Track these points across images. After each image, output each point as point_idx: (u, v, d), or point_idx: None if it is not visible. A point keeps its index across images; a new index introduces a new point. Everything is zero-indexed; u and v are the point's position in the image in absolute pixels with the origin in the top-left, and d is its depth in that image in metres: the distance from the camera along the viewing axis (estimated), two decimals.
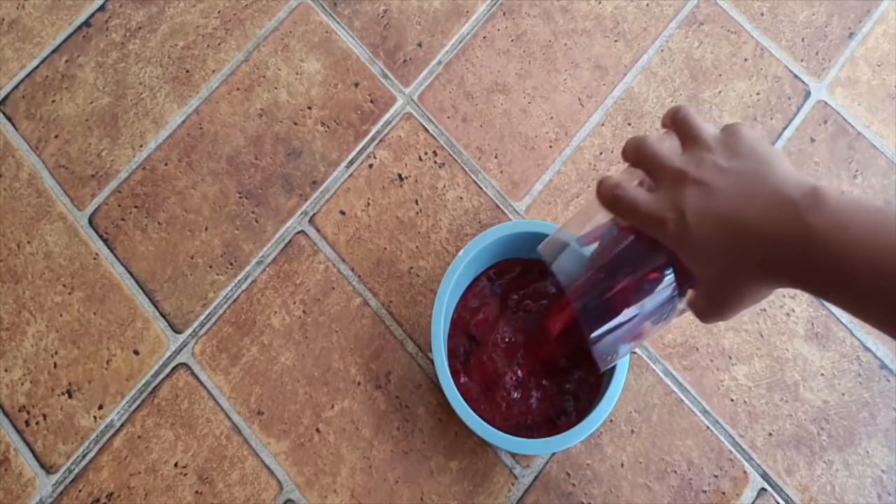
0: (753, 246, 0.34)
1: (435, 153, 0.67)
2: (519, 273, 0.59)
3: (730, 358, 0.62)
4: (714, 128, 0.38)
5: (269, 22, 0.71)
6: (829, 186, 0.33)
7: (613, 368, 0.53)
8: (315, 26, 0.71)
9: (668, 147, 0.38)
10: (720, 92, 0.69)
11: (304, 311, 0.63)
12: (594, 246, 0.43)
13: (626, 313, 0.41)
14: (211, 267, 0.64)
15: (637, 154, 0.39)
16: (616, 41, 0.71)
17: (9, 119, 0.69)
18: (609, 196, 0.38)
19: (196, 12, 0.72)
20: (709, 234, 0.35)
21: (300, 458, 0.60)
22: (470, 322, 0.57)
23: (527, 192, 0.66)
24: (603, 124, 0.68)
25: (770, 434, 0.60)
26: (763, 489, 0.59)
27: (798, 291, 0.63)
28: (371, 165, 0.67)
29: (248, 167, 0.67)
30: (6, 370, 0.62)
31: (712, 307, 0.38)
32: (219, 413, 0.61)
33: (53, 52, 0.71)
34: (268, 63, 0.70)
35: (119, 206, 0.66)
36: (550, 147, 0.67)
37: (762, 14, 0.71)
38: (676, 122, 0.39)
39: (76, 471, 0.60)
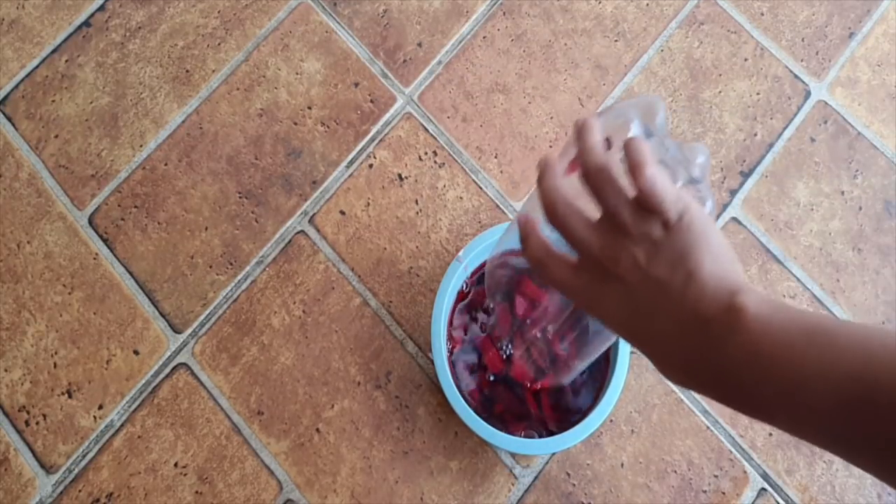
0: (668, 361, 0.33)
1: (435, 153, 0.67)
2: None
3: None
4: (632, 188, 0.33)
5: (269, 22, 0.71)
6: (751, 296, 0.31)
7: (614, 369, 0.53)
8: (315, 26, 0.71)
9: (582, 219, 0.34)
10: (720, 92, 0.69)
11: (304, 311, 0.63)
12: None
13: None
14: (211, 267, 0.64)
15: (550, 214, 0.35)
16: (616, 41, 0.71)
17: (9, 119, 0.69)
18: (535, 258, 0.36)
19: (196, 12, 0.72)
20: (627, 335, 0.35)
21: (300, 458, 0.60)
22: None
23: (527, 192, 0.66)
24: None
25: (770, 434, 0.60)
26: (763, 489, 0.59)
27: (796, 292, 0.63)
28: (371, 165, 0.67)
29: (248, 167, 0.67)
30: (6, 370, 0.62)
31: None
32: (219, 413, 0.61)
33: (53, 51, 0.71)
34: (268, 63, 0.70)
35: (119, 206, 0.66)
36: (550, 147, 0.67)
37: (762, 14, 0.71)
38: (592, 177, 0.34)
39: (76, 471, 0.60)
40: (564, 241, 0.35)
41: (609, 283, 0.34)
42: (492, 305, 0.58)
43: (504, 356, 0.57)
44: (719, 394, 0.32)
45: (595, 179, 0.33)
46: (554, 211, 0.35)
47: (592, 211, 0.35)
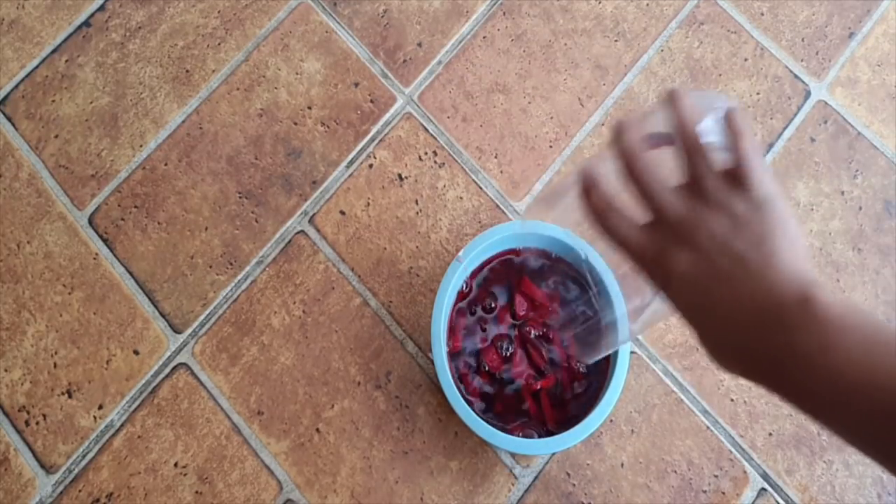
0: (723, 341, 0.32)
1: (435, 153, 0.67)
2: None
3: None
4: (723, 154, 0.33)
5: (269, 22, 0.71)
6: (825, 291, 0.30)
7: (614, 369, 0.53)
8: (315, 26, 0.71)
9: (662, 180, 0.34)
10: (720, 92, 0.69)
11: (304, 311, 0.63)
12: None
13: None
14: (211, 267, 0.64)
15: (630, 169, 0.34)
16: (616, 41, 0.71)
17: (9, 119, 0.69)
18: (601, 214, 0.35)
19: (196, 12, 0.72)
20: (685, 307, 0.33)
21: (300, 458, 0.60)
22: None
23: (527, 192, 0.66)
24: (603, 124, 0.68)
25: (770, 434, 0.60)
26: (763, 489, 0.59)
27: None
28: (371, 165, 0.67)
29: (248, 167, 0.67)
30: (6, 370, 0.62)
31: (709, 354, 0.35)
32: (219, 413, 0.61)
33: (53, 52, 0.71)
34: (268, 63, 0.70)
35: (119, 205, 0.66)
36: (550, 147, 0.67)
37: (762, 14, 0.71)
38: (687, 140, 0.33)
39: (76, 471, 0.60)
40: (640, 198, 0.34)
41: (681, 249, 0.32)
42: (492, 304, 0.58)
43: (504, 356, 0.57)
44: (772, 384, 0.31)
45: (688, 142, 0.33)
46: (633, 167, 0.34)
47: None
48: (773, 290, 0.31)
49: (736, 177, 0.32)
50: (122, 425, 0.61)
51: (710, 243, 0.32)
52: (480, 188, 0.66)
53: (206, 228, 0.65)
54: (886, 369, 0.28)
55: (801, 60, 0.70)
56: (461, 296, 0.58)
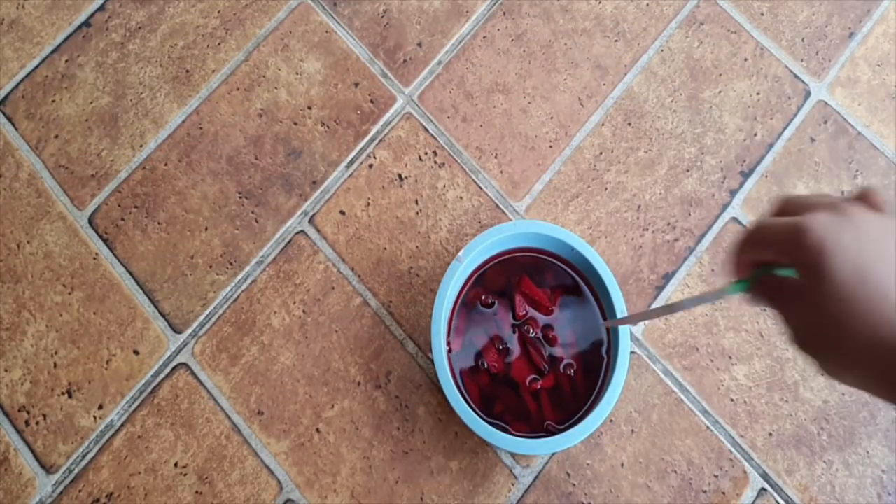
0: (873, 321, 0.29)
1: (435, 153, 0.67)
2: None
3: (730, 358, 0.62)
4: None
5: (269, 22, 0.71)
6: None
7: (614, 369, 0.53)
8: (315, 26, 0.71)
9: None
10: (720, 92, 0.69)
11: (304, 311, 0.63)
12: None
13: None
14: (211, 267, 0.64)
15: (787, 203, 0.33)
16: (616, 41, 0.71)
17: (9, 119, 0.69)
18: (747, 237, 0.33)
19: (196, 12, 0.72)
20: (840, 277, 0.29)
21: (300, 458, 0.60)
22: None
23: (527, 192, 0.66)
24: (603, 124, 0.68)
25: (770, 434, 0.60)
26: (763, 489, 0.59)
27: None
28: (371, 165, 0.67)
29: (248, 167, 0.67)
30: (6, 370, 0.62)
31: (807, 348, 0.32)
32: (219, 413, 0.61)
33: (53, 51, 0.71)
34: (268, 63, 0.70)
35: (119, 205, 0.66)
36: (550, 147, 0.67)
37: (762, 14, 0.71)
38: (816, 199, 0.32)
39: (76, 471, 0.60)
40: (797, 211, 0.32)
41: (843, 223, 0.30)
42: (492, 303, 0.58)
43: (504, 356, 0.57)
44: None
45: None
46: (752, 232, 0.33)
47: None
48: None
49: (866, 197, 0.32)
50: (122, 425, 0.61)
51: (871, 223, 0.30)
52: (480, 188, 0.66)
53: (206, 228, 0.65)
54: None
55: (801, 60, 0.70)
56: (461, 296, 0.58)
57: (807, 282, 0.30)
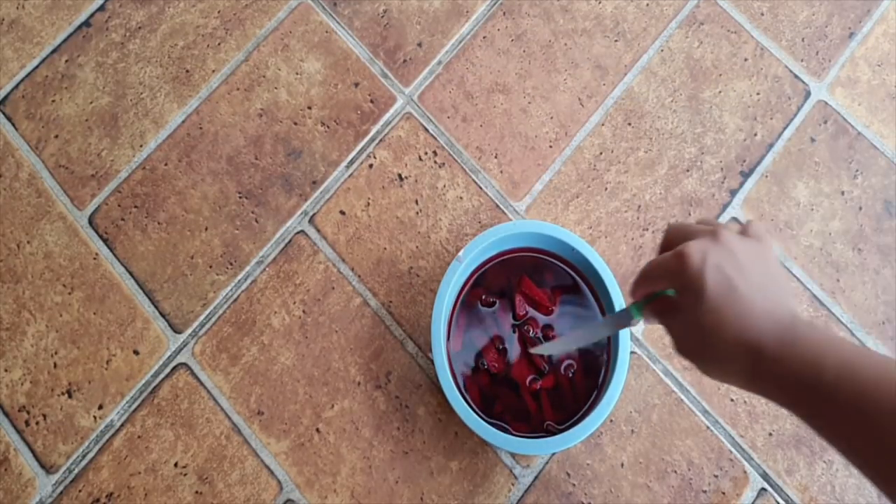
0: (746, 323, 0.35)
1: (435, 153, 0.67)
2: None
3: None
4: None
5: (269, 22, 0.71)
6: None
7: (614, 369, 0.53)
8: (315, 26, 0.71)
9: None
10: (720, 92, 0.69)
11: (304, 311, 0.63)
12: None
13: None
14: (211, 267, 0.64)
15: (674, 231, 0.40)
16: (616, 41, 0.71)
17: (9, 119, 0.69)
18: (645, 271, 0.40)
19: (196, 12, 0.72)
20: (715, 287, 0.35)
21: (300, 458, 0.60)
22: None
23: (527, 192, 0.66)
24: (603, 124, 0.68)
25: (770, 434, 0.60)
26: (763, 489, 0.59)
27: (797, 292, 0.63)
28: (371, 165, 0.67)
29: (248, 167, 0.67)
30: (6, 370, 0.62)
31: (687, 354, 0.39)
32: (219, 413, 0.61)
33: (53, 52, 0.71)
34: (268, 63, 0.70)
35: (119, 206, 0.66)
36: (550, 147, 0.67)
37: (762, 14, 0.71)
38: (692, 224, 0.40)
39: (76, 471, 0.60)
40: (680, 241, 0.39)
41: (716, 246, 0.37)
42: (492, 303, 0.58)
43: (504, 356, 0.57)
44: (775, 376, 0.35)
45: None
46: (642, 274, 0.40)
47: None
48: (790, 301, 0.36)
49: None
50: (122, 425, 0.61)
51: (739, 245, 0.36)
52: (480, 188, 0.66)
53: (206, 228, 0.65)
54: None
55: (801, 60, 0.70)
56: (461, 296, 0.58)
57: (687, 299, 0.36)
